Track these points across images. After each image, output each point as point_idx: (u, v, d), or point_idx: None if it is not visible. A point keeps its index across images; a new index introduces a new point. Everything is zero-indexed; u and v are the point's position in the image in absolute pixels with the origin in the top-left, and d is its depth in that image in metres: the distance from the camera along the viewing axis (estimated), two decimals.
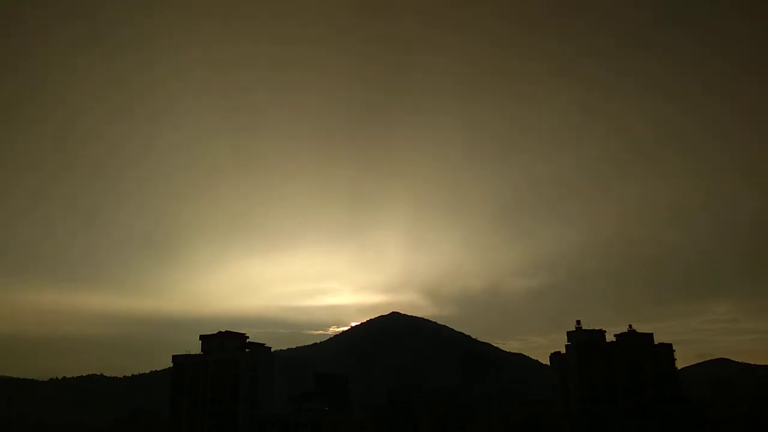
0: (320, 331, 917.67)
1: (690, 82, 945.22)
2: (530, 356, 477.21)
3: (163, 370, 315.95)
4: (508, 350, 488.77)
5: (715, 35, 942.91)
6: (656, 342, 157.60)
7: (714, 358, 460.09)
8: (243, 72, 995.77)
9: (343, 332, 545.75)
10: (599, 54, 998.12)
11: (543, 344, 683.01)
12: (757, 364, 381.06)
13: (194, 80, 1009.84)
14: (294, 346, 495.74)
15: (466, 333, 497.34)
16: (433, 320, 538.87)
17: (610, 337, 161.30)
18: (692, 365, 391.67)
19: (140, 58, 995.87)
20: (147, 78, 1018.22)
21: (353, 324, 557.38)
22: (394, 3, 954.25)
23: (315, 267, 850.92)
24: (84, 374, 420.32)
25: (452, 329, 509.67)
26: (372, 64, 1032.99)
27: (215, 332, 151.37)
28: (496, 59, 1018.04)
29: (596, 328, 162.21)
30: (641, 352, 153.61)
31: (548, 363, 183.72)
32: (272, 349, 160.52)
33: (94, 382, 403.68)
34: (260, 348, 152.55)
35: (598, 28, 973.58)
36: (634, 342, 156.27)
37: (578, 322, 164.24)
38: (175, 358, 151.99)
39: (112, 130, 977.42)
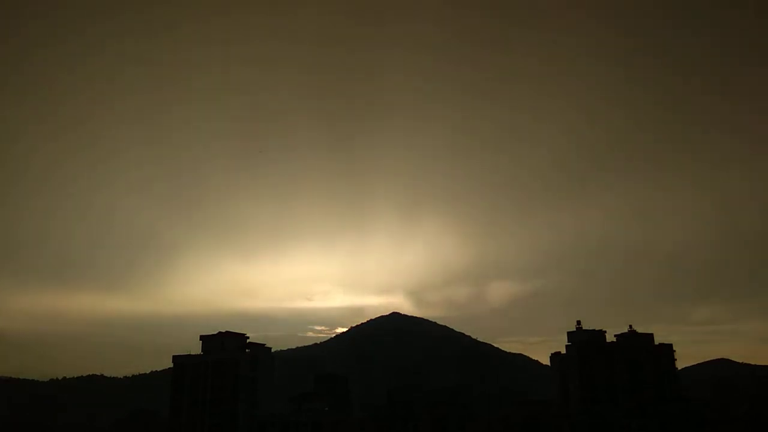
0: (311, 333, 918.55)
1: (687, 80, 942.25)
2: (530, 356, 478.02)
3: (163, 370, 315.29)
4: (508, 350, 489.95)
5: (715, 35, 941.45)
6: (656, 342, 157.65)
7: (714, 358, 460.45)
8: (238, 85, 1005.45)
9: (343, 332, 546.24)
10: (589, 53, 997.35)
11: (543, 344, 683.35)
12: (757, 364, 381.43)
13: (193, 89, 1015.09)
14: (294, 347, 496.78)
15: (466, 333, 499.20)
16: (433, 320, 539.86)
17: (610, 337, 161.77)
18: (692, 365, 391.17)
19: (142, 68, 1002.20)
20: (146, 86, 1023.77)
21: (352, 325, 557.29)
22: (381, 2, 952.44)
23: (308, 270, 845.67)
24: (84, 374, 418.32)
25: (452, 329, 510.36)
26: (358, 67, 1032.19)
27: (215, 332, 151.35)
28: (483, 59, 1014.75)
29: (596, 328, 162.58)
30: (641, 352, 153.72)
31: (548, 363, 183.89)
32: (272, 350, 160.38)
33: (94, 382, 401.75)
34: (260, 348, 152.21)
35: (589, 28, 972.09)
36: (634, 342, 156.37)
37: (578, 322, 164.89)
38: (175, 358, 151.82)
39: (112, 133, 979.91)
